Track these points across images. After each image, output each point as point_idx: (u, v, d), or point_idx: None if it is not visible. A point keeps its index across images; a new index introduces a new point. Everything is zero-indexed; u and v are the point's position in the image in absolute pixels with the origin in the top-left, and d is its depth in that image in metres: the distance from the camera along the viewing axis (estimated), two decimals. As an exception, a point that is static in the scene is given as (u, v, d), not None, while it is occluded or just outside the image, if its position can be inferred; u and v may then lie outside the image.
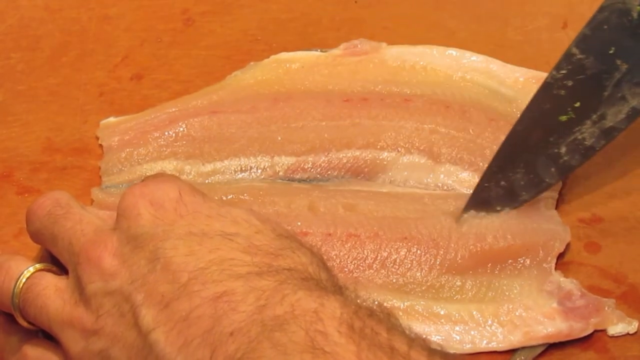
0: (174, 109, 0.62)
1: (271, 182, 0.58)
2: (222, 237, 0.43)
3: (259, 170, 0.58)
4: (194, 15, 0.68)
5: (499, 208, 0.55)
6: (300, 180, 0.58)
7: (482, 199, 0.55)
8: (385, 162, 0.58)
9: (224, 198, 0.56)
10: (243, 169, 0.59)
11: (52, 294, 0.45)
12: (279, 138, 0.59)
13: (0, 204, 0.59)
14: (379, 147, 0.58)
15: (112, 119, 0.62)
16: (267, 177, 0.58)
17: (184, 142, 0.60)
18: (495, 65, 0.62)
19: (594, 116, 0.54)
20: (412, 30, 0.66)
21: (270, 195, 0.56)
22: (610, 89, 0.54)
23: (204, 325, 0.39)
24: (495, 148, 0.57)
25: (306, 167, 0.58)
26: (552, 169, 0.54)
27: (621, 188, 0.57)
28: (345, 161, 0.58)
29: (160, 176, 0.49)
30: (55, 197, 0.49)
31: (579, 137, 0.54)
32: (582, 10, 0.65)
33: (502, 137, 0.57)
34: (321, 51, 0.64)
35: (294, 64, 0.64)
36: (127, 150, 0.60)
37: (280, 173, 0.58)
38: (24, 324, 0.46)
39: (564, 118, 0.55)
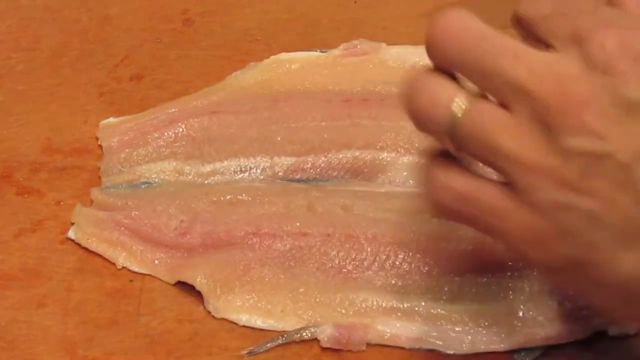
0: (173, 110, 0.62)
1: (270, 183, 0.58)
2: None
3: (259, 171, 0.58)
4: (193, 16, 0.68)
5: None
6: (299, 181, 0.58)
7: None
8: (385, 163, 0.58)
9: (222, 198, 0.56)
10: (243, 169, 0.59)
11: (502, 132, 0.40)
12: (279, 138, 0.59)
13: (0, 204, 0.59)
14: (378, 147, 0.58)
15: (111, 120, 0.62)
16: (267, 178, 0.58)
17: (184, 143, 0.60)
18: (495, 66, 0.62)
19: None
20: (412, 30, 0.66)
21: (269, 196, 0.56)
22: None
23: None
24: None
25: (306, 167, 0.58)
26: None
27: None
28: (344, 161, 0.58)
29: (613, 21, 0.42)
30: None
31: None
32: (583, 10, 0.64)
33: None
34: (321, 51, 0.64)
35: (294, 64, 0.64)
36: (127, 150, 0.60)
37: (280, 173, 0.58)
38: (452, 147, 0.42)
39: None
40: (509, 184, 0.41)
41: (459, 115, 0.41)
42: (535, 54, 0.40)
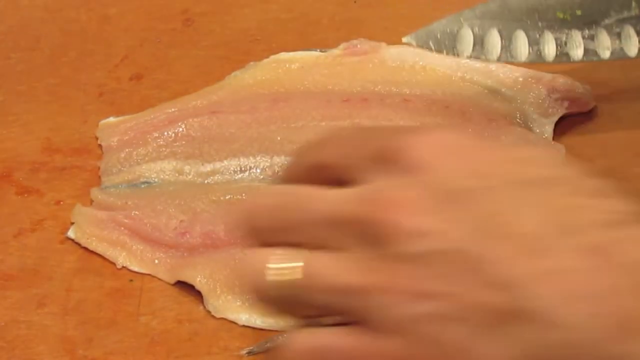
0: (173, 109, 0.62)
1: (270, 182, 0.58)
2: (550, 184, 0.39)
3: (259, 171, 0.58)
4: (193, 16, 0.68)
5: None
6: (299, 181, 0.58)
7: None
8: (384, 162, 0.58)
9: (222, 198, 0.56)
10: (242, 169, 0.59)
11: (337, 272, 0.40)
12: (279, 138, 0.59)
13: (0, 204, 0.59)
14: (378, 147, 0.58)
15: (111, 119, 0.62)
16: (267, 177, 0.58)
17: (184, 143, 0.60)
18: (495, 65, 0.62)
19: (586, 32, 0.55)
20: (412, 30, 0.66)
21: (269, 196, 0.56)
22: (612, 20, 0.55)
23: (587, 277, 0.36)
24: (495, 148, 0.57)
25: (305, 167, 0.58)
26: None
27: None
28: (344, 161, 0.58)
29: (433, 128, 0.43)
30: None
31: (563, 39, 0.55)
32: (582, 10, 0.65)
33: (502, 137, 0.57)
34: (321, 51, 0.64)
35: (294, 64, 0.64)
36: (127, 150, 0.60)
37: (280, 173, 0.58)
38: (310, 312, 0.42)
39: (560, 15, 0.55)
40: (358, 323, 0.39)
41: (298, 278, 0.40)
42: (335, 191, 0.40)
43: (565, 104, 0.60)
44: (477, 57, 0.56)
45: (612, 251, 0.37)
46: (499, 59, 0.56)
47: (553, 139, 0.59)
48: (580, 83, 0.61)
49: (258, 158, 0.59)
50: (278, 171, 0.58)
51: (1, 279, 0.55)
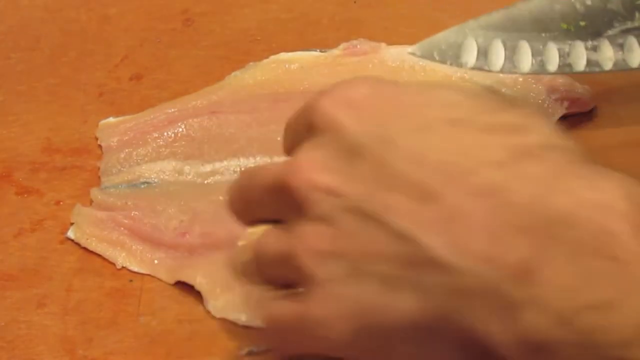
0: (173, 110, 0.62)
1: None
2: (449, 125, 0.40)
3: (259, 171, 0.58)
4: (193, 16, 0.68)
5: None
6: (299, 181, 0.58)
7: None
8: (384, 163, 0.58)
9: (222, 198, 0.56)
10: (242, 169, 0.59)
11: (269, 241, 0.43)
12: (279, 138, 0.59)
13: (0, 204, 0.59)
14: (378, 147, 0.58)
15: (111, 119, 0.62)
16: (267, 178, 0.58)
17: (183, 143, 0.60)
18: (495, 66, 0.62)
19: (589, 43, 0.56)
20: (412, 30, 0.66)
21: (269, 196, 0.56)
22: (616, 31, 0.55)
23: (479, 220, 0.36)
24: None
25: (305, 167, 0.58)
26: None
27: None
28: (344, 161, 0.58)
29: (341, 82, 0.44)
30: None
31: (566, 49, 0.56)
32: (582, 10, 0.65)
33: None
34: (321, 51, 0.64)
35: (294, 64, 0.64)
36: (127, 150, 0.60)
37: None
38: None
39: (564, 26, 0.56)
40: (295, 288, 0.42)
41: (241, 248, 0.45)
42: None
43: (565, 104, 0.60)
44: (480, 68, 0.56)
45: (507, 189, 0.36)
46: (502, 70, 0.56)
47: (553, 139, 0.59)
48: (580, 83, 0.61)
49: (258, 158, 0.59)
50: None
51: (1, 279, 0.55)
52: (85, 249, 0.56)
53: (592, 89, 0.61)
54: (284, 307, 0.42)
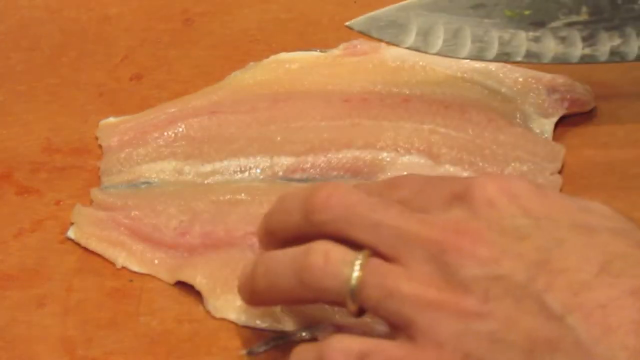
0: (173, 109, 0.62)
1: (270, 182, 0.58)
2: (609, 231, 0.42)
3: (258, 171, 0.58)
4: (193, 15, 0.68)
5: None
6: (299, 180, 0.58)
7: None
8: (384, 163, 0.58)
9: (222, 198, 0.56)
10: (242, 169, 0.59)
11: (400, 279, 0.43)
12: (279, 138, 0.59)
13: (0, 204, 0.59)
14: (378, 147, 0.58)
15: (111, 119, 0.62)
16: (267, 177, 0.58)
17: (183, 143, 0.60)
18: (495, 66, 0.62)
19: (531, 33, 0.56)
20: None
21: (268, 195, 0.56)
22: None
23: (629, 315, 0.39)
24: (495, 148, 0.57)
25: (305, 167, 0.58)
26: None
27: (621, 188, 0.57)
28: (344, 161, 0.58)
29: (501, 174, 0.48)
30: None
31: (507, 37, 0.56)
32: (582, 10, 0.65)
33: (502, 137, 0.57)
34: (321, 51, 0.64)
35: (294, 64, 0.64)
36: (127, 150, 0.60)
37: (280, 173, 0.58)
38: (353, 308, 0.44)
39: (508, 13, 0.56)
40: (401, 332, 0.43)
41: (356, 277, 0.43)
42: (419, 213, 0.44)
43: (565, 104, 0.60)
44: (417, 49, 0.56)
45: None
46: (438, 53, 0.56)
47: (553, 139, 0.59)
48: (580, 83, 0.61)
49: (258, 158, 0.59)
50: (278, 171, 0.58)
51: (1, 279, 0.55)
52: (85, 249, 0.56)
53: (592, 89, 0.61)
54: (385, 346, 0.43)
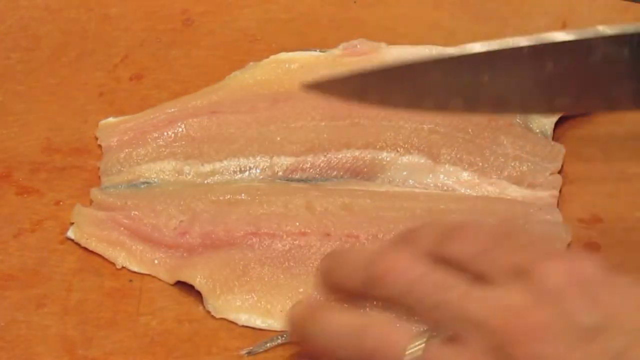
0: (173, 109, 0.62)
1: (270, 182, 0.58)
2: None
3: (258, 170, 0.58)
4: (193, 16, 0.68)
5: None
6: (299, 180, 0.58)
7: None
8: (384, 162, 0.58)
9: (222, 198, 0.56)
10: (242, 169, 0.59)
11: None
12: (278, 138, 0.59)
13: (0, 204, 0.59)
14: (378, 147, 0.58)
15: (111, 119, 0.62)
16: (266, 177, 0.58)
17: (183, 143, 0.60)
18: (495, 66, 0.62)
19: None
20: (412, 30, 0.66)
21: (268, 195, 0.56)
22: None
23: None
24: (495, 148, 0.57)
25: (305, 167, 0.58)
26: None
27: (621, 188, 0.57)
28: (344, 161, 0.58)
29: (571, 255, 0.44)
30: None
31: None
32: (581, 10, 0.65)
33: (502, 137, 0.57)
34: (321, 51, 0.64)
35: (294, 64, 0.64)
36: (126, 150, 0.60)
37: (280, 173, 0.58)
38: None
39: None
40: None
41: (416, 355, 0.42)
42: (481, 289, 0.41)
43: (565, 104, 0.60)
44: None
45: None
46: None
47: (553, 139, 0.59)
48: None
49: (258, 158, 0.59)
50: (278, 171, 0.58)
51: (1, 279, 0.55)
52: (85, 249, 0.56)
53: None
54: None
